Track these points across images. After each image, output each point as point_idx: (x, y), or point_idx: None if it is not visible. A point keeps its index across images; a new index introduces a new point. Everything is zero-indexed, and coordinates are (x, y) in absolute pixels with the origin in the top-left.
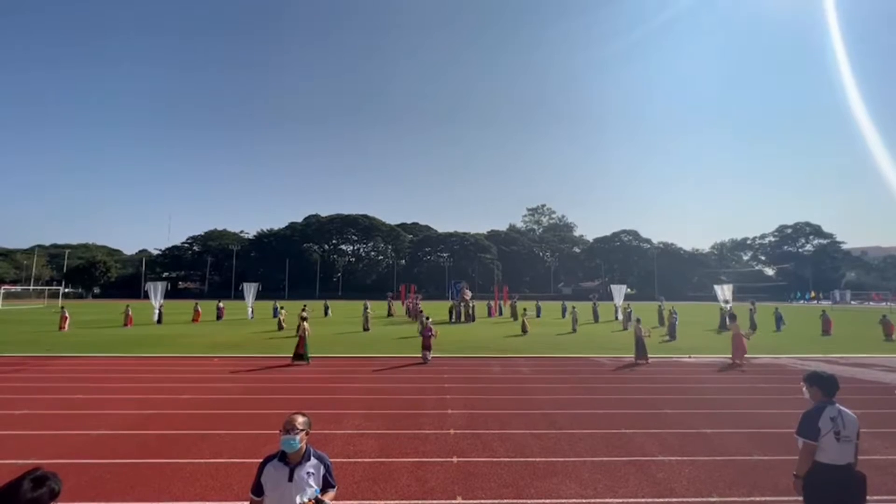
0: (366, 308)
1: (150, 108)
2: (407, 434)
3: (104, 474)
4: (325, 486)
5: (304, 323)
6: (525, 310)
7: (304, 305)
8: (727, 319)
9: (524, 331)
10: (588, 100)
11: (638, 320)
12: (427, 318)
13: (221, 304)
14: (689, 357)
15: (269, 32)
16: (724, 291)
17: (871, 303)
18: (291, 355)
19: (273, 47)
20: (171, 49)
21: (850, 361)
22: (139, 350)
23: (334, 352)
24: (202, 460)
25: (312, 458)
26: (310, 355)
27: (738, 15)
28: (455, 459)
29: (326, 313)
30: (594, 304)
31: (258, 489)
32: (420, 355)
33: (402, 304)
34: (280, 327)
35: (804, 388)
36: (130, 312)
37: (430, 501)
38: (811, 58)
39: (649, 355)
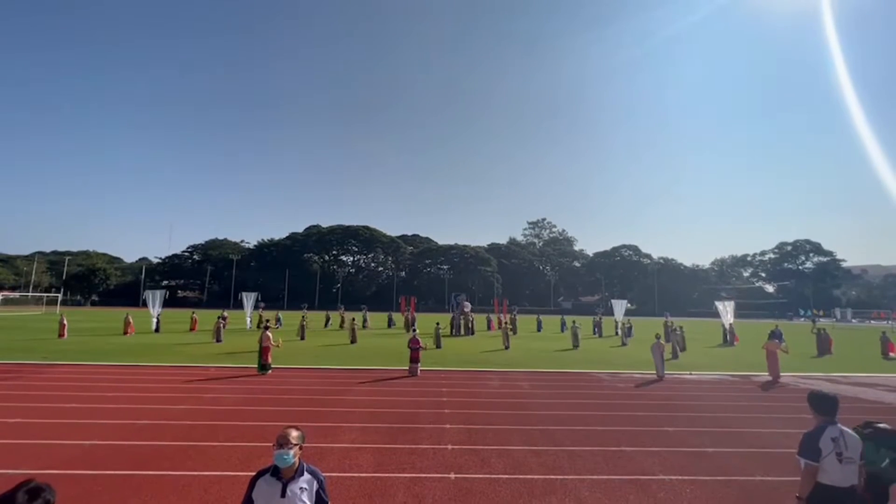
0: (341, 319)
1: (153, 115)
2: (404, 449)
3: (96, 486)
4: (318, 501)
5: (267, 332)
6: (506, 323)
7: (303, 315)
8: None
9: (506, 346)
10: (591, 115)
11: (658, 336)
12: (415, 331)
13: (225, 315)
14: (691, 374)
15: (273, 39)
16: (726, 308)
17: (872, 321)
18: (256, 366)
19: (277, 56)
20: (174, 56)
21: (852, 381)
22: (135, 359)
23: (327, 363)
24: (196, 472)
25: (306, 472)
26: (305, 367)
27: (743, 35)
28: (453, 475)
29: (327, 324)
30: (599, 318)
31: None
32: (407, 368)
33: (403, 315)
34: (217, 339)
35: (809, 408)
36: (131, 320)
37: None
38: (815, 78)
39: (639, 371)
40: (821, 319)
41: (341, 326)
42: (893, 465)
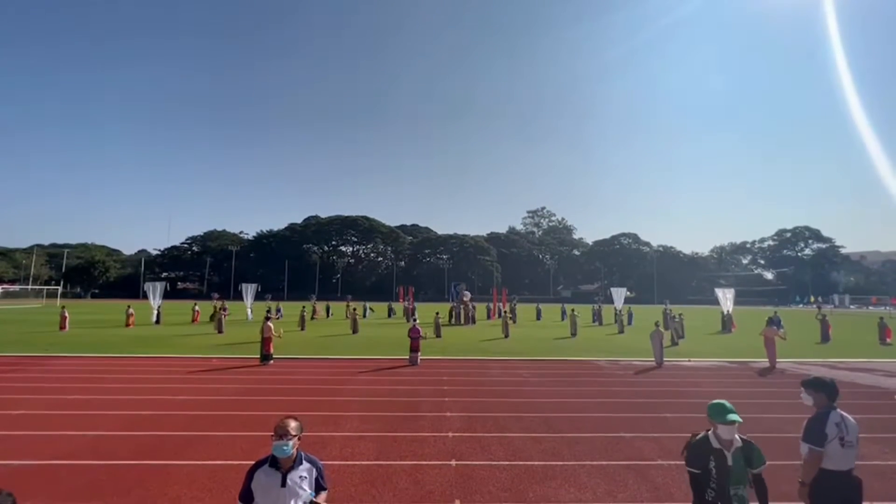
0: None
1: (150, 107)
2: (405, 437)
3: (101, 476)
4: (318, 488)
5: (269, 323)
6: (506, 312)
7: (304, 306)
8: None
9: (506, 334)
10: (588, 103)
11: (657, 324)
12: (415, 320)
13: (226, 306)
14: (689, 360)
15: (270, 33)
16: (725, 296)
17: (870, 307)
18: (259, 356)
19: (274, 48)
20: (171, 49)
21: (850, 366)
22: (137, 350)
23: (328, 353)
24: (199, 462)
25: (304, 461)
26: (306, 357)
27: (740, 22)
28: (453, 463)
29: (328, 314)
30: (598, 307)
31: (247, 496)
32: (407, 357)
33: (402, 304)
34: (219, 329)
35: (804, 394)
36: (132, 312)
37: None
38: (812, 64)
39: (637, 359)
40: (825, 306)
41: (312, 317)
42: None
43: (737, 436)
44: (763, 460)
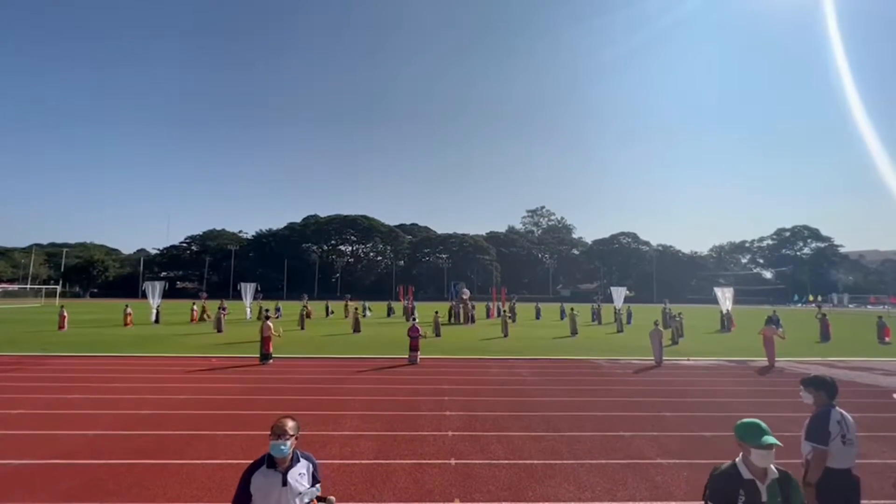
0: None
1: (149, 107)
2: (405, 436)
3: (101, 475)
4: (314, 482)
5: (268, 322)
6: (505, 311)
7: (304, 305)
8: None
9: (505, 334)
10: (588, 103)
11: (656, 323)
12: (415, 319)
13: (225, 305)
14: (688, 360)
15: (270, 33)
16: (724, 295)
17: (868, 306)
18: (258, 356)
19: (274, 48)
20: (170, 49)
21: (849, 365)
22: (136, 350)
23: (327, 352)
24: (199, 461)
25: (301, 459)
26: (305, 356)
27: (739, 21)
28: (453, 461)
29: (328, 314)
30: (597, 306)
31: (245, 499)
32: (407, 356)
33: (402, 304)
34: (218, 329)
35: (803, 393)
36: (130, 312)
37: None
38: (812, 63)
39: (637, 358)
40: (825, 305)
41: (308, 316)
42: None
43: (771, 465)
44: (802, 499)
